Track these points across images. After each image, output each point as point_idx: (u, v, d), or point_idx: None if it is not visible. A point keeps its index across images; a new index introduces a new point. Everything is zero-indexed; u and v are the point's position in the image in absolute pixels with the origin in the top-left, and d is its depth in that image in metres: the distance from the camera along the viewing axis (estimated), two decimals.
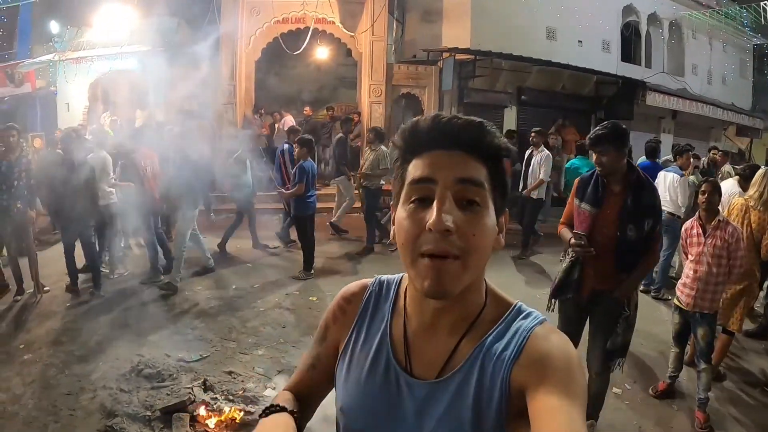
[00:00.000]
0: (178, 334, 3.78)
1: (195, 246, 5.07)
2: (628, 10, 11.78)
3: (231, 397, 2.86)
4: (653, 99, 10.52)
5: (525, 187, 5.96)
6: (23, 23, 10.91)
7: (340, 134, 7.02)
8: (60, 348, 3.59)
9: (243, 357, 3.44)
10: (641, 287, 4.39)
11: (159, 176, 5.08)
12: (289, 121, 9.03)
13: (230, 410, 2.72)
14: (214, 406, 2.74)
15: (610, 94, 10.44)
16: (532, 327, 0.65)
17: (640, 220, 2.25)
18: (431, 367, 0.67)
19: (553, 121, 9.56)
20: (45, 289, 4.56)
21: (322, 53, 9.60)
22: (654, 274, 4.78)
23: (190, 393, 2.80)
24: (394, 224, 0.66)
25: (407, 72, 8.97)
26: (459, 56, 8.97)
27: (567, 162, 8.56)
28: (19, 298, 4.41)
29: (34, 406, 2.88)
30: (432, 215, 0.58)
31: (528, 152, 6.08)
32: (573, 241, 2.34)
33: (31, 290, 4.47)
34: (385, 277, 0.81)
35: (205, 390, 2.89)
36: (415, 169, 0.64)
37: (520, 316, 0.67)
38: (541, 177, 5.68)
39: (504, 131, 8.56)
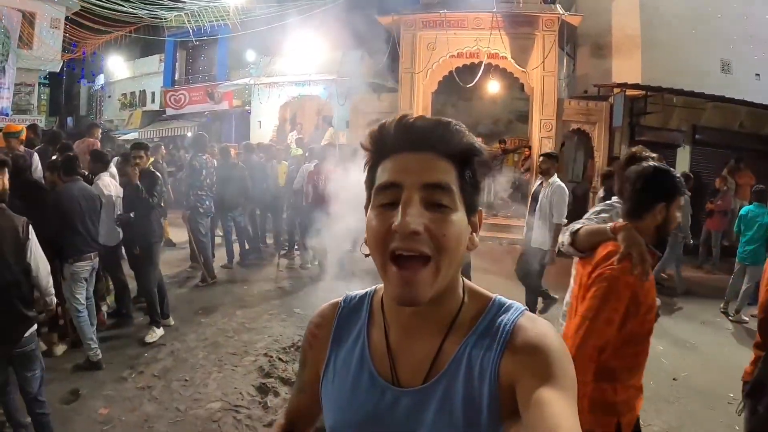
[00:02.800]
0: None
1: None
2: None
3: None
4: None
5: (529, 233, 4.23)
6: (221, 51, 12.99)
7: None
8: (233, 319, 4.23)
9: None
10: None
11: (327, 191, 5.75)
12: None
13: None
14: None
15: None
16: (515, 319, 0.64)
17: None
18: (417, 373, 0.66)
19: (725, 162, 9.17)
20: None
21: (494, 87, 10.15)
22: None
23: None
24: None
25: (578, 107, 9.17)
26: (630, 92, 8.99)
27: (741, 208, 8.17)
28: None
29: (203, 357, 3.48)
30: (397, 217, 0.58)
31: (536, 184, 4.37)
32: None
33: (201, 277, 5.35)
34: (355, 292, 0.79)
35: None
36: (382, 172, 0.63)
37: (501, 310, 0.66)
38: (554, 221, 3.99)
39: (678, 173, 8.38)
